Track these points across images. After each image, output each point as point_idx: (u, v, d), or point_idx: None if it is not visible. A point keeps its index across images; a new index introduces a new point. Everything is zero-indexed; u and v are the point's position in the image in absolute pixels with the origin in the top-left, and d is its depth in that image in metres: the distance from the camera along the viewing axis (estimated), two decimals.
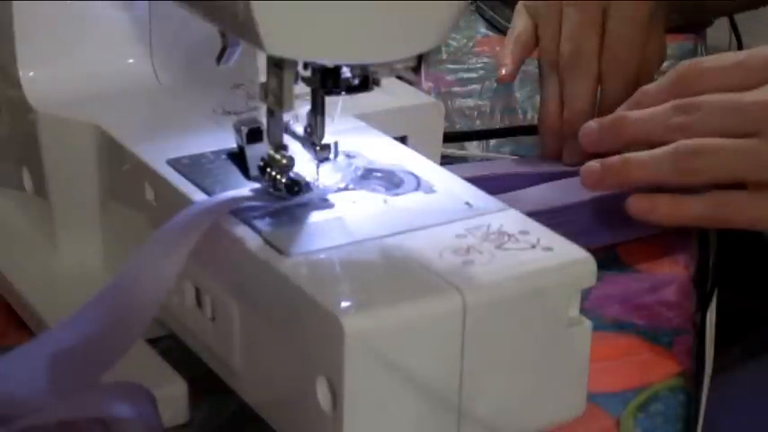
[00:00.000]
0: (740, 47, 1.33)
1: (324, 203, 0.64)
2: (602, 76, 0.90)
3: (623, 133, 0.80)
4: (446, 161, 0.83)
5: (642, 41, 0.91)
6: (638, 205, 0.77)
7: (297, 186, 0.63)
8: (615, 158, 0.78)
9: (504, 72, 0.97)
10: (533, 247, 0.60)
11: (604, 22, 0.90)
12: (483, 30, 1.24)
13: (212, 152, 0.68)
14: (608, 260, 0.80)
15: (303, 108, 0.64)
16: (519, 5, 0.99)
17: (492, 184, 0.71)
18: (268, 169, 0.64)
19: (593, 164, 0.79)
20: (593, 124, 0.82)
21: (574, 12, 0.91)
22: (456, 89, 1.09)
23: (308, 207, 0.63)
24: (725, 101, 0.76)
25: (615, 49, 0.90)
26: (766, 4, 1.19)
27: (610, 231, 0.82)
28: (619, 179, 0.78)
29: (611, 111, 0.83)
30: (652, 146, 0.77)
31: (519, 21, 0.98)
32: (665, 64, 0.98)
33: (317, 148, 0.64)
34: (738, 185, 0.76)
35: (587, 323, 0.61)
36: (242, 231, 0.61)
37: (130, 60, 0.77)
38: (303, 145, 0.65)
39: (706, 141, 0.75)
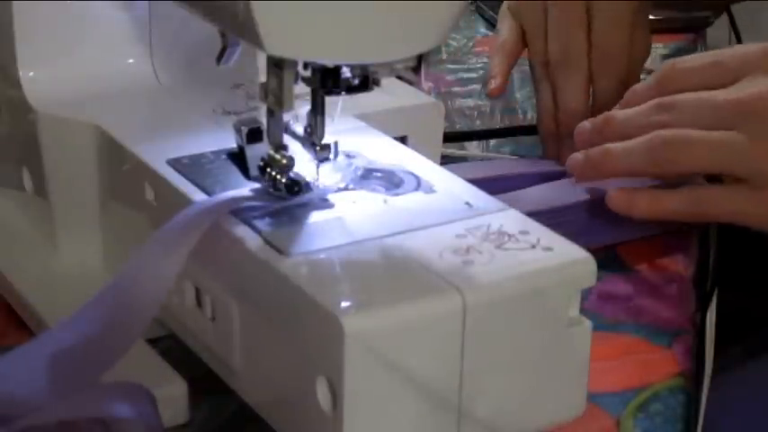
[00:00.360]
0: None
1: (324, 203, 0.64)
2: (593, 76, 0.90)
3: (611, 132, 0.80)
4: (446, 161, 0.83)
5: (629, 39, 0.91)
6: (617, 200, 0.78)
7: (297, 186, 0.63)
8: (596, 149, 0.79)
9: (492, 86, 0.96)
10: (533, 247, 0.60)
11: (589, 20, 0.90)
12: (483, 30, 1.23)
13: (212, 152, 0.68)
14: (608, 260, 0.80)
15: (303, 108, 0.64)
16: (503, 8, 0.97)
17: (492, 185, 0.71)
18: (268, 169, 0.64)
19: (578, 155, 0.80)
20: (586, 124, 0.82)
21: (558, 11, 0.91)
22: (456, 89, 1.08)
23: (308, 207, 0.63)
24: (699, 99, 0.77)
25: (603, 47, 0.90)
26: None
27: (610, 231, 0.82)
28: (599, 169, 0.79)
29: (605, 110, 0.84)
30: None
31: (504, 25, 0.96)
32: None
33: (317, 148, 0.64)
34: (718, 179, 0.76)
35: (587, 323, 0.61)
36: (242, 231, 0.61)
37: (130, 60, 0.77)
38: (303, 145, 0.65)
39: (680, 132, 0.76)
